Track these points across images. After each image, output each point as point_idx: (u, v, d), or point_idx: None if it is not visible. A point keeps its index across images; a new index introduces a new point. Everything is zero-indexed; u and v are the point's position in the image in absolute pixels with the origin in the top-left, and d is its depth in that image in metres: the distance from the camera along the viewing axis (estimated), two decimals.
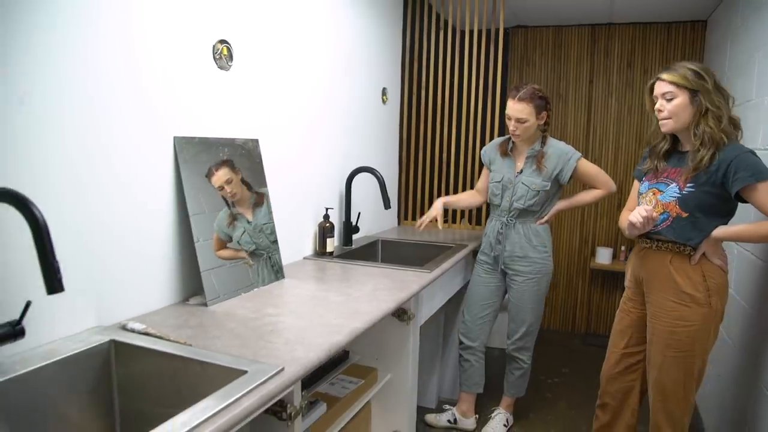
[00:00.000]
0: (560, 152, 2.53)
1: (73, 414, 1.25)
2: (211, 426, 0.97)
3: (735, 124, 1.83)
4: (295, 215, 2.30)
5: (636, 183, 2.10)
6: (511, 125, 2.50)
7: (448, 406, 2.86)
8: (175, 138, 1.66)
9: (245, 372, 1.16)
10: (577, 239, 4.21)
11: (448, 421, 2.80)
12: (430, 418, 2.82)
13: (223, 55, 1.83)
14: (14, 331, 1.09)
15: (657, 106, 1.88)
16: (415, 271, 2.15)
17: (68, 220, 1.32)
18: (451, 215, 3.43)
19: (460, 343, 2.77)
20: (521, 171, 2.57)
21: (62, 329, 1.32)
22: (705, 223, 1.82)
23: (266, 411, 1.20)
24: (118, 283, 1.47)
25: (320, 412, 1.65)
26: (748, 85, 2.46)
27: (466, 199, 2.87)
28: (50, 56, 1.25)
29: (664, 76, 1.84)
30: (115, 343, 1.33)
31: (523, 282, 2.61)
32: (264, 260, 1.94)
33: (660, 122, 1.89)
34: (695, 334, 1.84)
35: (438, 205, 2.75)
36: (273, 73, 2.09)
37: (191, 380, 1.24)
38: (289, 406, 1.25)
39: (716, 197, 1.80)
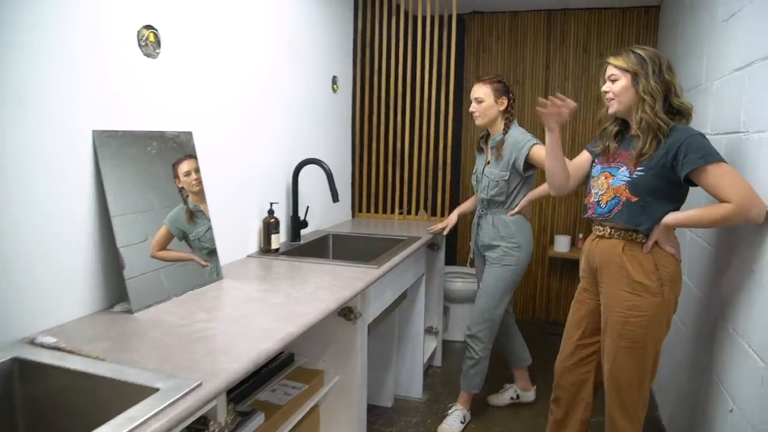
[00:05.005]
0: (515, 140, 2.52)
1: None
2: None
3: (683, 111, 1.79)
4: (236, 211, 2.19)
5: (584, 153, 2.08)
6: (471, 107, 2.59)
7: (508, 385, 2.98)
8: (94, 132, 1.52)
9: (157, 390, 1.06)
10: (536, 228, 4.18)
11: (511, 398, 2.93)
12: (494, 398, 2.93)
13: (150, 41, 1.70)
14: None
15: (603, 87, 1.88)
16: (362, 267, 2.07)
17: None
18: (406, 206, 3.35)
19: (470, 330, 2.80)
20: (488, 162, 2.63)
21: None
22: (655, 208, 1.79)
23: (188, 428, 1.11)
24: (26, 293, 1.34)
25: (257, 423, 1.56)
26: (698, 69, 2.44)
27: (474, 200, 2.92)
28: None
29: (611, 59, 1.85)
30: (18, 362, 1.20)
31: (489, 266, 2.64)
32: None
33: (607, 103, 1.88)
34: (648, 324, 1.81)
35: (453, 217, 2.93)
36: (207, 61, 1.97)
37: (102, 400, 1.13)
38: (212, 423, 1.15)
39: (666, 181, 1.77)
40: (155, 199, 1.69)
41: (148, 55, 1.70)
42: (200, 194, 1.88)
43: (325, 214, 2.95)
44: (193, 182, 1.86)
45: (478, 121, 2.59)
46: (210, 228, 1.91)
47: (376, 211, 3.37)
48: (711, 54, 2.26)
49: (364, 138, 3.30)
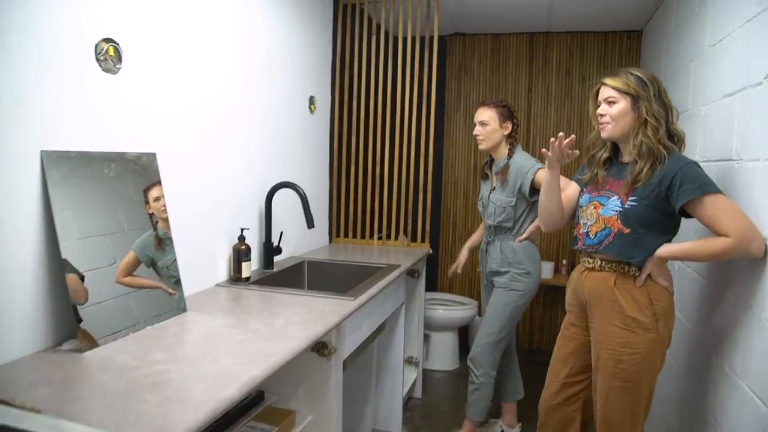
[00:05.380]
0: (519, 165, 2.48)
1: None
2: None
3: (677, 137, 1.72)
4: (204, 237, 2.05)
5: (572, 184, 2.01)
6: (474, 130, 2.56)
7: (493, 419, 2.88)
8: (42, 153, 1.39)
9: None
10: None
11: None
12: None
13: (109, 55, 1.58)
14: None
15: (599, 110, 1.79)
16: (337, 299, 1.94)
17: None
18: (385, 231, 3.24)
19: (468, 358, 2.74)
20: (494, 188, 2.59)
21: None
22: (648, 241, 1.70)
23: None
24: None
25: None
26: (684, 95, 2.38)
27: (482, 228, 2.88)
28: None
29: (608, 80, 1.77)
30: None
31: (497, 290, 2.58)
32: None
33: (600, 126, 1.80)
34: (642, 362, 1.70)
35: (464, 252, 2.91)
36: (174, 78, 1.85)
37: None
38: None
39: (660, 212, 1.69)
40: (111, 224, 1.56)
41: (107, 70, 1.57)
42: (168, 221, 1.76)
43: (301, 239, 2.82)
44: (162, 208, 1.74)
45: (482, 146, 2.55)
46: (176, 257, 1.77)
47: (354, 236, 3.25)
48: (698, 79, 2.21)
49: (342, 160, 3.20)
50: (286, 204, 2.55)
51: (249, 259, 2.18)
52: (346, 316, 1.81)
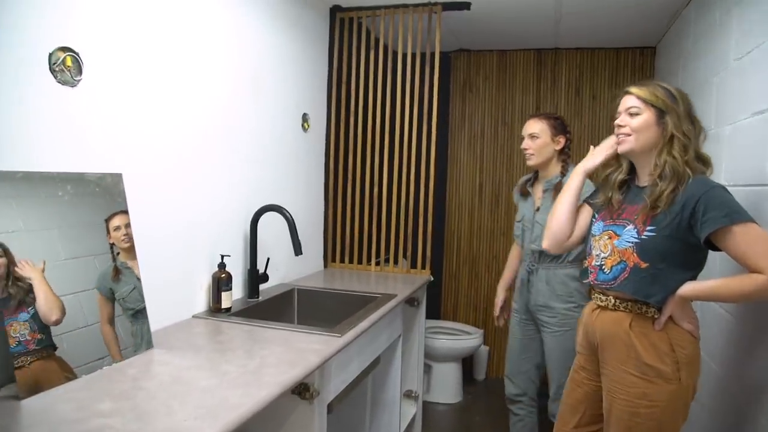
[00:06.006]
0: None
1: None
2: None
3: (704, 160, 1.53)
4: (179, 265, 1.88)
5: (585, 207, 1.80)
6: (523, 143, 2.37)
7: None
8: None
9: None
10: None
11: None
12: None
13: (66, 66, 1.42)
14: None
15: (617, 120, 1.60)
16: (322, 335, 1.75)
17: None
18: (383, 256, 3.05)
19: (506, 395, 2.56)
20: (539, 208, 2.33)
21: None
22: (669, 277, 1.49)
23: None
24: None
25: None
26: (706, 113, 2.19)
27: (515, 259, 2.62)
28: None
29: (633, 89, 1.58)
30: None
31: (549, 335, 2.33)
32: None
33: (617, 140, 1.61)
34: (661, 416, 1.49)
35: (501, 294, 2.65)
36: (146, 92, 1.69)
37: None
38: None
39: (682, 243, 1.48)
40: (63, 251, 1.39)
41: (64, 82, 1.42)
42: (129, 251, 1.59)
43: (292, 265, 2.64)
44: (123, 238, 1.57)
45: (531, 161, 2.34)
46: (136, 287, 1.60)
47: (351, 261, 3.06)
48: (722, 96, 2.02)
49: (339, 181, 3.02)
50: (274, 228, 2.38)
51: (230, 289, 2.00)
52: (329, 356, 1.62)
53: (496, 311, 2.66)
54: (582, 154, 1.75)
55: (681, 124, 1.52)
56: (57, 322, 1.33)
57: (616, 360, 1.57)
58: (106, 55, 1.54)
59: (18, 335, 1.25)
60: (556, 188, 2.24)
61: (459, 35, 3.49)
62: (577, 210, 1.80)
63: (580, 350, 1.75)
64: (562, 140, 2.31)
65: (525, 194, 2.44)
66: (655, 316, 1.52)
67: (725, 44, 2.00)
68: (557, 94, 3.73)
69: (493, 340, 3.95)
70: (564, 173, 2.29)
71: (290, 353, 1.58)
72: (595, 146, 1.76)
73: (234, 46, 2.12)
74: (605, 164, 1.71)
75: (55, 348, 1.32)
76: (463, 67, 3.90)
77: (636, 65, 3.57)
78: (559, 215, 1.78)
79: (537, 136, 2.31)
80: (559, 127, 2.32)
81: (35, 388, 1.25)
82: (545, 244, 1.85)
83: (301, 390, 1.57)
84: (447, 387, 3.55)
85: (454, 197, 3.99)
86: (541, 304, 2.32)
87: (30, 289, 1.29)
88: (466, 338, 3.55)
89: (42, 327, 1.30)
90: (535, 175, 2.43)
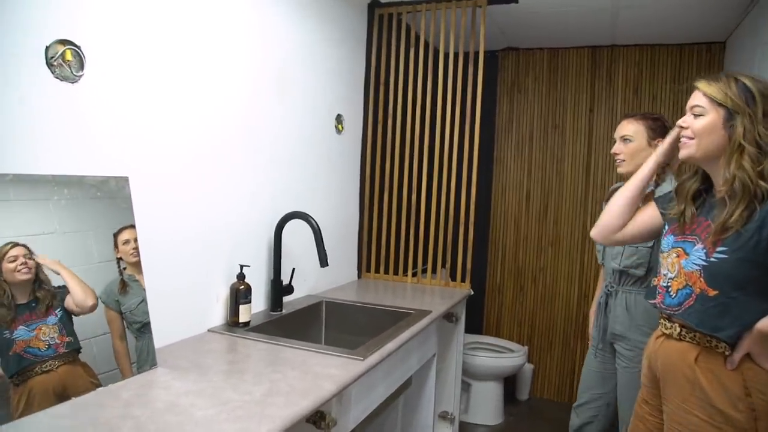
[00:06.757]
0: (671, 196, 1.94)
1: None
2: None
3: None
4: (193, 276, 1.75)
5: (651, 206, 1.59)
6: (614, 147, 2.07)
7: None
8: None
9: None
10: (576, 293, 3.62)
11: None
12: None
13: (66, 60, 1.31)
14: None
15: (680, 121, 1.40)
16: (343, 357, 1.59)
17: None
18: (420, 267, 2.87)
19: (569, 429, 2.31)
20: None
21: None
22: (744, 308, 1.25)
23: None
24: None
25: None
26: None
27: (602, 281, 2.29)
28: None
29: (701, 84, 1.36)
30: None
31: (624, 369, 2.04)
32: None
33: (680, 143, 1.40)
34: None
35: (592, 319, 2.30)
36: (157, 89, 1.57)
37: None
38: None
39: (761, 268, 1.24)
40: (59, 258, 1.28)
41: (63, 78, 1.30)
42: (137, 265, 1.47)
43: (323, 275, 2.49)
44: (131, 252, 1.46)
45: (622, 168, 2.04)
46: (144, 300, 1.48)
47: (387, 272, 2.89)
48: None
49: (375, 187, 2.86)
50: (302, 236, 2.23)
51: (248, 301, 1.86)
52: (347, 384, 1.45)
53: (589, 339, 2.32)
54: None
55: (754, 129, 1.27)
56: (93, 308, 1.33)
57: (678, 397, 1.35)
58: (112, 49, 1.42)
59: (48, 338, 1.23)
60: (647, 198, 1.96)
61: (507, 32, 3.27)
62: (642, 203, 1.61)
63: (644, 381, 1.54)
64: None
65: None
66: (727, 353, 1.28)
67: None
68: (613, 94, 3.45)
69: (539, 358, 3.69)
70: (659, 183, 1.96)
71: (305, 379, 1.42)
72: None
73: (259, 40, 1.98)
74: (680, 171, 1.48)
75: (79, 351, 1.29)
76: (511, 67, 3.67)
77: (702, 62, 3.26)
78: (613, 202, 1.61)
79: (631, 140, 2.01)
80: (659, 129, 2.00)
81: (63, 395, 1.22)
82: (592, 231, 1.66)
83: (317, 419, 1.41)
84: (487, 407, 3.33)
85: (499, 205, 3.76)
86: (617, 333, 2.04)
87: (55, 293, 1.26)
88: (510, 356, 3.32)
89: (70, 330, 1.28)
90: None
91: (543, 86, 3.61)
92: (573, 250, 3.59)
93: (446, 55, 2.76)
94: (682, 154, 1.39)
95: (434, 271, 2.87)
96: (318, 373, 1.47)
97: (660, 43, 3.31)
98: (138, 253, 1.48)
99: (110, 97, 1.43)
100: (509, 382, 3.57)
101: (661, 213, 1.53)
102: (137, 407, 1.22)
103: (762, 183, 1.24)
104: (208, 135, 1.78)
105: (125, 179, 1.47)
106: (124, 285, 1.44)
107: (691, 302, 1.32)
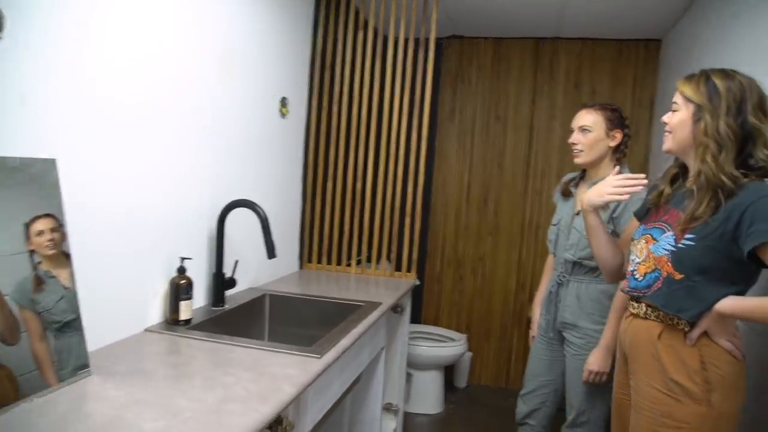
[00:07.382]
0: None
1: None
2: None
3: (759, 168, 1.31)
4: (128, 270, 1.59)
5: (633, 222, 1.65)
6: (572, 137, 2.06)
7: None
8: None
9: None
10: (514, 282, 3.66)
11: None
12: None
13: None
14: None
15: (663, 117, 1.47)
16: (299, 356, 1.49)
17: None
18: (365, 257, 2.80)
19: (516, 416, 2.30)
20: (578, 212, 1.99)
21: None
22: (706, 291, 1.33)
23: None
24: None
25: None
26: None
27: (551, 269, 2.25)
28: None
29: (679, 82, 1.44)
30: None
31: (573, 357, 2.07)
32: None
33: (663, 135, 1.48)
34: None
35: (536, 310, 2.32)
36: (88, 61, 1.39)
37: None
38: None
39: (724, 256, 1.30)
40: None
41: None
42: (54, 258, 1.29)
43: (264, 266, 2.36)
44: (46, 244, 1.27)
45: (580, 158, 2.03)
46: (63, 297, 1.30)
47: (329, 262, 2.80)
48: None
49: (318, 174, 2.75)
50: (245, 226, 2.10)
51: (189, 297, 1.72)
52: (307, 384, 1.35)
53: (533, 330, 2.31)
54: None
55: (715, 125, 1.32)
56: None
57: (641, 371, 1.44)
58: (36, 9, 1.24)
59: None
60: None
61: (454, 18, 3.22)
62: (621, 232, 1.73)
63: (617, 358, 1.64)
64: (618, 135, 2.01)
65: (567, 195, 2.15)
66: (686, 329, 1.36)
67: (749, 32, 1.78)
68: (555, 87, 3.50)
69: (477, 346, 3.73)
70: (606, 208, 1.94)
71: (261, 381, 1.31)
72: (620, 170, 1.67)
73: (200, 19, 1.82)
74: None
75: None
76: (455, 55, 3.64)
77: (640, 58, 3.36)
78: (598, 255, 1.68)
79: (589, 130, 2.00)
80: (617, 120, 2.01)
81: None
82: (609, 279, 1.72)
83: (273, 424, 1.30)
84: (428, 397, 3.32)
85: (440, 195, 3.74)
86: (567, 322, 2.06)
87: None
88: (451, 344, 3.32)
89: None
90: (582, 174, 2.14)
91: (487, 76, 3.60)
92: (512, 240, 3.63)
93: (395, 41, 2.68)
94: (664, 147, 1.46)
95: (378, 260, 2.80)
96: (274, 374, 1.36)
97: (601, 37, 3.38)
98: (55, 245, 1.29)
99: (34, 64, 1.25)
100: (448, 370, 3.58)
101: (638, 216, 1.59)
102: (73, 424, 1.07)
103: (724, 178, 1.28)
104: (144, 117, 1.60)
105: (52, 161, 1.30)
106: (39, 281, 1.26)
107: (659, 285, 1.38)
